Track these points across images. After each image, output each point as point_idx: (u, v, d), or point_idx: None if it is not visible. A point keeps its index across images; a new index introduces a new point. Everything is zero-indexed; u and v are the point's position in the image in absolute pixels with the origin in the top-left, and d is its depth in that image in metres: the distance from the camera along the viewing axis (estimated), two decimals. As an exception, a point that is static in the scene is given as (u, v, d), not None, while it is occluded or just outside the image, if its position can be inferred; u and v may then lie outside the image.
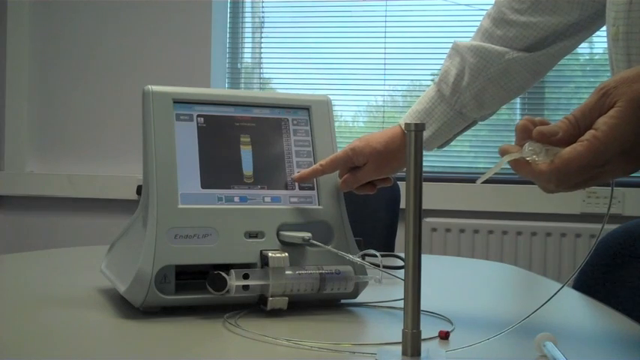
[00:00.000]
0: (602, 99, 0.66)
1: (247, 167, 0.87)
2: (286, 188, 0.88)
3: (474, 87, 1.03)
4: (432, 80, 2.79)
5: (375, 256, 0.85)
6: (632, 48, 0.83)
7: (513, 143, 0.70)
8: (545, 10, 1.00)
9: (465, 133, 1.15)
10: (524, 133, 0.68)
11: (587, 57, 2.72)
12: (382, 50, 2.76)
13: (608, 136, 0.64)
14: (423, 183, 0.62)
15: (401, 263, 1.20)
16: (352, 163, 0.97)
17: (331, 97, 0.95)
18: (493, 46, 1.02)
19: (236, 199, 0.85)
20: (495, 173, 0.69)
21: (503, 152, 0.69)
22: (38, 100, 2.83)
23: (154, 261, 0.79)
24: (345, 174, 0.96)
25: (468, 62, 1.02)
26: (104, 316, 0.80)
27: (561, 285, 0.74)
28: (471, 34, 1.08)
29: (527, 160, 0.67)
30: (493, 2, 1.06)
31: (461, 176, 2.66)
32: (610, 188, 0.70)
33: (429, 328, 0.69)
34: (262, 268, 0.82)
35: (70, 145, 2.82)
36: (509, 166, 0.69)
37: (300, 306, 0.84)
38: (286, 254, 0.82)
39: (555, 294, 0.71)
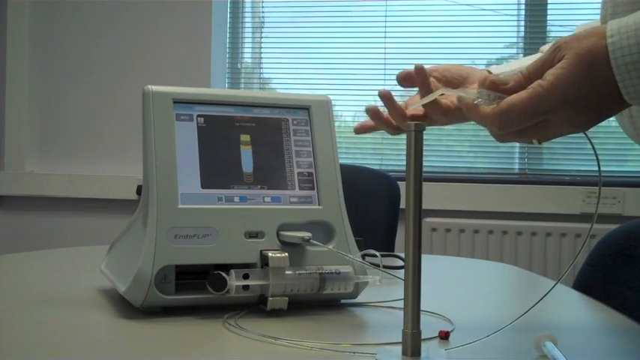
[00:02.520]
0: (553, 53, 0.68)
1: (247, 167, 0.87)
2: (286, 188, 0.88)
3: None
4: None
5: (375, 256, 0.85)
6: None
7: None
8: None
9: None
10: (484, 84, 0.71)
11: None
12: (382, 50, 2.76)
13: (552, 84, 0.66)
14: (423, 183, 0.63)
15: (401, 263, 1.20)
16: None
17: (331, 97, 0.95)
18: None
19: (236, 199, 0.85)
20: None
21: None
22: (38, 100, 2.83)
23: (153, 261, 0.79)
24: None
25: None
26: (104, 316, 0.80)
27: (555, 282, 0.74)
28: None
29: (476, 104, 0.70)
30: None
31: (461, 176, 2.66)
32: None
33: (429, 328, 0.69)
34: (262, 268, 0.82)
35: (70, 145, 2.83)
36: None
37: (300, 306, 0.84)
38: (286, 254, 0.82)
39: (549, 292, 0.71)
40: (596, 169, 0.71)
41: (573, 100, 0.67)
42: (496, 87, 0.70)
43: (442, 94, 0.83)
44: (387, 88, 0.87)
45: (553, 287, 0.73)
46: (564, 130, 0.70)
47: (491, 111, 0.69)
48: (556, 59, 0.68)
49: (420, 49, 2.73)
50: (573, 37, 0.68)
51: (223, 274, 0.79)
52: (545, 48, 1.02)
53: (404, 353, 0.62)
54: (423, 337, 0.62)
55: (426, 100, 0.70)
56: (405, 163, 0.62)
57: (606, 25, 0.67)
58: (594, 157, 0.69)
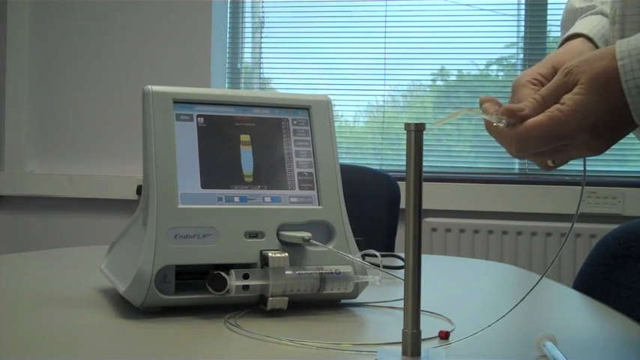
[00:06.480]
0: (566, 77, 0.69)
1: (247, 167, 0.87)
2: (286, 188, 0.88)
3: None
4: (431, 80, 2.80)
5: (375, 256, 0.85)
6: (626, 30, 0.83)
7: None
8: None
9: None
10: (498, 105, 0.72)
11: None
12: (382, 50, 2.76)
13: (571, 109, 0.67)
14: (423, 183, 0.63)
15: (401, 263, 1.20)
16: None
17: (331, 97, 0.95)
18: None
19: (236, 199, 0.85)
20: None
21: (481, 102, 0.73)
22: (38, 100, 2.83)
23: (154, 261, 0.79)
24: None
25: None
26: (104, 316, 0.80)
27: (552, 280, 0.74)
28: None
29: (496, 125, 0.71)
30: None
31: (461, 176, 2.66)
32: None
33: (429, 328, 0.69)
34: (262, 268, 0.82)
35: (70, 145, 2.82)
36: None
37: (300, 306, 0.84)
38: (286, 254, 0.82)
39: (535, 285, 0.71)
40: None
41: (592, 125, 0.67)
42: (512, 114, 0.70)
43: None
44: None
45: (538, 282, 0.73)
46: (582, 153, 0.70)
47: (511, 131, 0.69)
48: (570, 83, 0.68)
49: (420, 49, 2.73)
50: (583, 61, 0.69)
51: (223, 274, 0.79)
52: None
53: (404, 353, 0.62)
54: (423, 337, 0.62)
55: (448, 119, 0.71)
56: (405, 163, 0.62)
57: (614, 46, 0.68)
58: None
